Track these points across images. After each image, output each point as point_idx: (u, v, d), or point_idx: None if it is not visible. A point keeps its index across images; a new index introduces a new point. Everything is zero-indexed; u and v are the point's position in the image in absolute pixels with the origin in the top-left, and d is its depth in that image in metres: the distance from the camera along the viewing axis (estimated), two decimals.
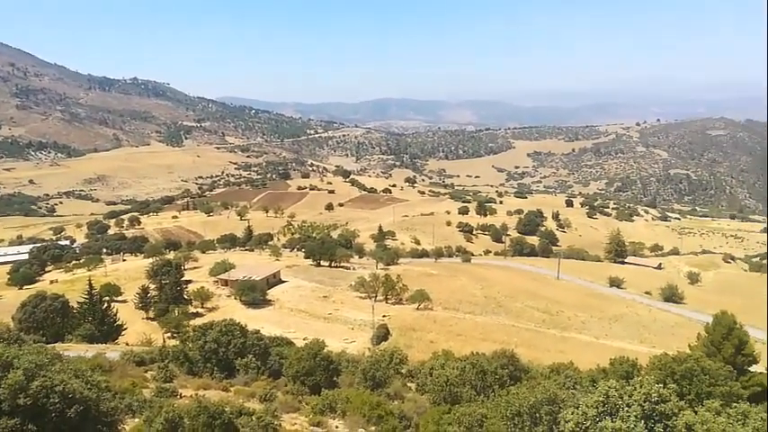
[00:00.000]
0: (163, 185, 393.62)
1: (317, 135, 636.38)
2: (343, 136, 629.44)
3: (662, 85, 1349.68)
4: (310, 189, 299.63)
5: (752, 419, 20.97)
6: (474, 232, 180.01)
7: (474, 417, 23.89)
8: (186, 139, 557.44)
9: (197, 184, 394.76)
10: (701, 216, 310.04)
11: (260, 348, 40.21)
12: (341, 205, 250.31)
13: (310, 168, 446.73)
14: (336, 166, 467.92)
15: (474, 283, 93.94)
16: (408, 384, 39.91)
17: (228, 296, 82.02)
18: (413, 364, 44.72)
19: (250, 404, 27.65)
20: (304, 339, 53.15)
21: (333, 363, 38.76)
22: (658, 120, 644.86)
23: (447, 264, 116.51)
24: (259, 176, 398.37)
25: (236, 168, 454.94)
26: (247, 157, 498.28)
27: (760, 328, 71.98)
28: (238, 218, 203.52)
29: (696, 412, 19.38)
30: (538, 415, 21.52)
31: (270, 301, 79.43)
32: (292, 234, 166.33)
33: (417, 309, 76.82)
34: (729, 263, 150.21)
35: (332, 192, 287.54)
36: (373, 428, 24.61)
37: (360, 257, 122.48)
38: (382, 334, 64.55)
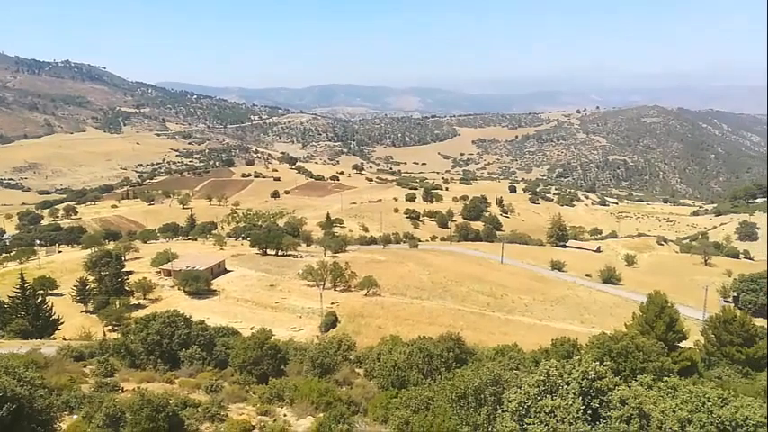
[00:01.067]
0: (101, 174, 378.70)
1: (261, 121, 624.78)
2: (289, 122, 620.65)
3: (602, 73, 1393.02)
4: (255, 176, 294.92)
5: (680, 392, 22.14)
6: (421, 219, 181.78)
7: (420, 400, 24.27)
8: (125, 125, 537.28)
9: (137, 172, 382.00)
10: (636, 200, 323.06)
11: (205, 339, 39.50)
12: (287, 193, 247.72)
13: (255, 155, 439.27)
14: (282, 153, 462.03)
15: (421, 268, 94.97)
16: (357, 370, 40.07)
17: (172, 287, 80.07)
18: (361, 350, 44.89)
19: (195, 395, 27.18)
20: (251, 329, 52.52)
21: (280, 351, 38.45)
22: (598, 107, 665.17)
23: (395, 250, 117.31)
24: (202, 164, 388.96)
25: (177, 156, 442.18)
26: (189, 144, 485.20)
27: (689, 306, 76.00)
28: (181, 206, 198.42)
29: (630, 387, 20.31)
30: (482, 396, 22.02)
31: (215, 291, 78.03)
32: (237, 222, 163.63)
33: (366, 295, 77.11)
34: (662, 245, 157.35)
35: (278, 179, 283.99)
36: (321, 415, 24.64)
37: (307, 245, 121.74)
38: (331, 321, 64.55)
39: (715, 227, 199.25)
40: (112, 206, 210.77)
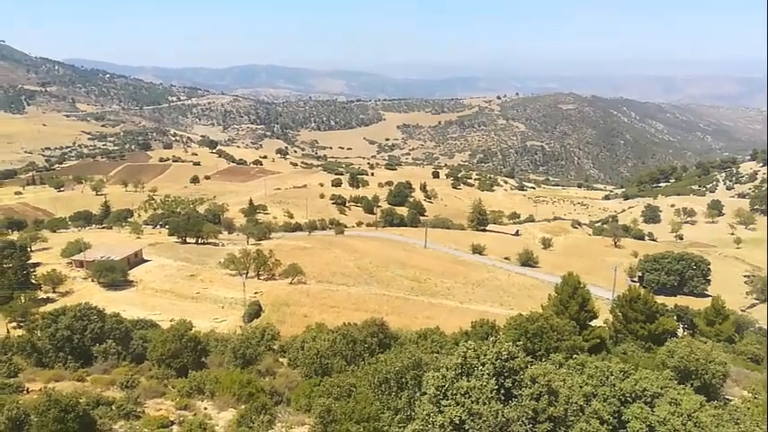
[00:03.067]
0: (1, 158, 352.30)
1: (179, 102, 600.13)
2: (209, 104, 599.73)
3: (521, 60, 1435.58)
4: (174, 161, 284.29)
5: (587, 368, 23.57)
6: (347, 204, 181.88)
7: (343, 387, 24.50)
8: (29, 105, 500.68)
9: (44, 156, 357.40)
10: (553, 185, 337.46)
11: (120, 332, 38.05)
12: (207, 178, 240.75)
13: (173, 138, 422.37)
14: (202, 136, 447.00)
15: (347, 254, 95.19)
16: (280, 360, 39.87)
17: (85, 279, 76.19)
18: (285, 340, 44.66)
19: (110, 393, 26.17)
20: (170, 321, 50.96)
21: (201, 343, 37.62)
22: (517, 94, 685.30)
23: (321, 237, 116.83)
24: (116, 147, 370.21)
25: (89, 139, 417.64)
26: (102, 126, 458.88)
27: (600, 286, 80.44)
28: (93, 193, 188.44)
29: (541, 365, 21.36)
30: (404, 380, 22.49)
31: (131, 281, 74.97)
32: (155, 209, 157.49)
33: (290, 283, 76.47)
34: (576, 228, 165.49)
35: (197, 163, 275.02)
36: (243, 407, 24.38)
37: (229, 233, 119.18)
38: (254, 311, 63.68)
39: (624, 210, 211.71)
40: (16, 193, 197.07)
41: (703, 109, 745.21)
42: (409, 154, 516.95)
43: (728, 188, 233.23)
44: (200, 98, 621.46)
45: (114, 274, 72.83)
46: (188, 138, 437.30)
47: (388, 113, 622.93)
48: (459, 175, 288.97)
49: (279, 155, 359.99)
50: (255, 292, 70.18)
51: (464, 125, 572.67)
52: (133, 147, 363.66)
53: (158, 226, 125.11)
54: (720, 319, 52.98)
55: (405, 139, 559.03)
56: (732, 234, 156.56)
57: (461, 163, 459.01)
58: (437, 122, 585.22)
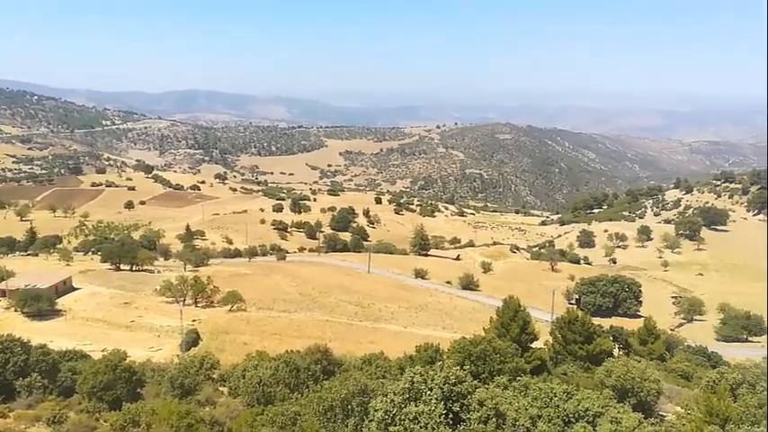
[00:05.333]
0: None
1: (114, 126, 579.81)
2: (145, 128, 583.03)
3: (459, 91, 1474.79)
4: (107, 185, 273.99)
5: (531, 390, 23.93)
6: (289, 230, 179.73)
7: (287, 415, 23.85)
8: None
9: None
10: (491, 211, 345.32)
11: (47, 365, 35.85)
12: (143, 203, 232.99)
13: (107, 163, 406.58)
14: (137, 161, 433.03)
15: (289, 280, 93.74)
16: (220, 389, 38.57)
17: (7, 308, 71.52)
18: (225, 368, 43.29)
19: (35, 429, 24.48)
20: (102, 351, 48.52)
21: (136, 374, 35.97)
22: (456, 123, 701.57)
23: (261, 263, 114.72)
24: (44, 171, 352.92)
25: (14, 162, 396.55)
26: (29, 149, 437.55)
27: (539, 309, 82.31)
28: (18, 218, 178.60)
29: (488, 389, 21.48)
30: (350, 407, 22.11)
31: (60, 311, 70.92)
32: (86, 236, 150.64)
33: (230, 310, 74.42)
34: (515, 252, 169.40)
35: (132, 188, 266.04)
36: None
37: (166, 259, 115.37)
38: (192, 339, 61.45)
39: (560, 235, 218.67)
40: None
41: (631, 140, 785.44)
42: (352, 180, 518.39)
43: (656, 214, 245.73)
44: (137, 122, 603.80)
45: (40, 304, 68.70)
46: (123, 162, 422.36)
47: (331, 140, 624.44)
48: (402, 201, 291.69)
49: (218, 180, 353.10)
50: (193, 320, 67.84)
51: (405, 153, 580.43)
52: (63, 171, 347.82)
53: (90, 253, 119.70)
54: (652, 338, 55.15)
55: (347, 166, 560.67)
56: (660, 257, 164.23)
57: (403, 189, 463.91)
58: (379, 150, 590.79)
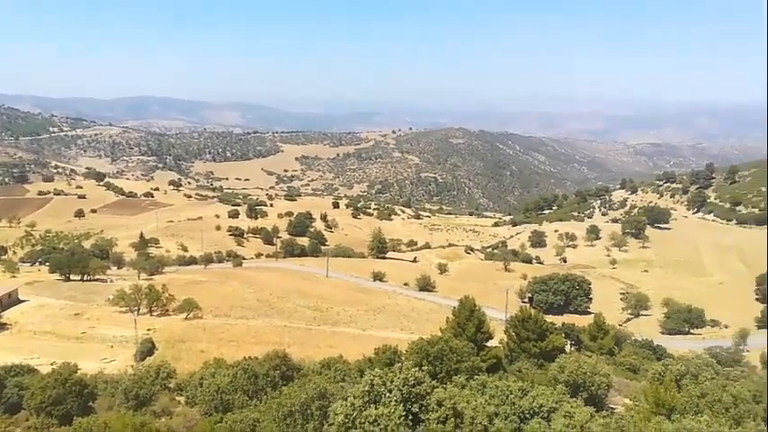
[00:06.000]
0: None
1: (62, 133, 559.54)
2: (96, 135, 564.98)
3: (414, 96, 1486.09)
4: (55, 194, 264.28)
5: (488, 388, 24.52)
6: (245, 236, 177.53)
7: (246, 422, 23.78)
8: None
9: None
10: (446, 214, 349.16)
11: None
12: (94, 211, 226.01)
13: (55, 171, 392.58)
14: (88, 169, 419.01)
15: (246, 287, 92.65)
16: (177, 398, 37.93)
17: None
18: (182, 377, 42.59)
19: None
20: (51, 365, 46.95)
21: (87, 386, 35.03)
22: (411, 128, 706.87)
23: (217, 270, 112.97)
24: None
25: None
26: None
27: (494, 308, 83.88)
28: None
29: (446, 389, 21.93)
30: (309, 411, 22.21)
31: (5, 324, 68.14)
32: (33, 246, 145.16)
33: (186, 319, 73.04)
34: (470, 253, 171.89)
35: (83, 197, 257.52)
36: None
37: (118, 268, 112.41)
38: (147, 349, 60.05)
39: (512, 236, 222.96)
40: None
41: (579, 143, 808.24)
42: (309, 185, 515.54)
43: (603, 214, 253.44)
44: (86, 129, 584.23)
45: None
46: (72, 170, 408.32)
47: (287, 145, 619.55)
48: (359, 205, 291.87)
49: (172, 186, 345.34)
50: (148, 329, 66.26)
51: (362, 157, 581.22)
52: (7, 179, 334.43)
53: (37, 263, 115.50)
54: (602, 334, 57.00)
55: (304, 171, 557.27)
56: (608, 256, 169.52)
57: (360, 193, 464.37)
58: (336, 155, 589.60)
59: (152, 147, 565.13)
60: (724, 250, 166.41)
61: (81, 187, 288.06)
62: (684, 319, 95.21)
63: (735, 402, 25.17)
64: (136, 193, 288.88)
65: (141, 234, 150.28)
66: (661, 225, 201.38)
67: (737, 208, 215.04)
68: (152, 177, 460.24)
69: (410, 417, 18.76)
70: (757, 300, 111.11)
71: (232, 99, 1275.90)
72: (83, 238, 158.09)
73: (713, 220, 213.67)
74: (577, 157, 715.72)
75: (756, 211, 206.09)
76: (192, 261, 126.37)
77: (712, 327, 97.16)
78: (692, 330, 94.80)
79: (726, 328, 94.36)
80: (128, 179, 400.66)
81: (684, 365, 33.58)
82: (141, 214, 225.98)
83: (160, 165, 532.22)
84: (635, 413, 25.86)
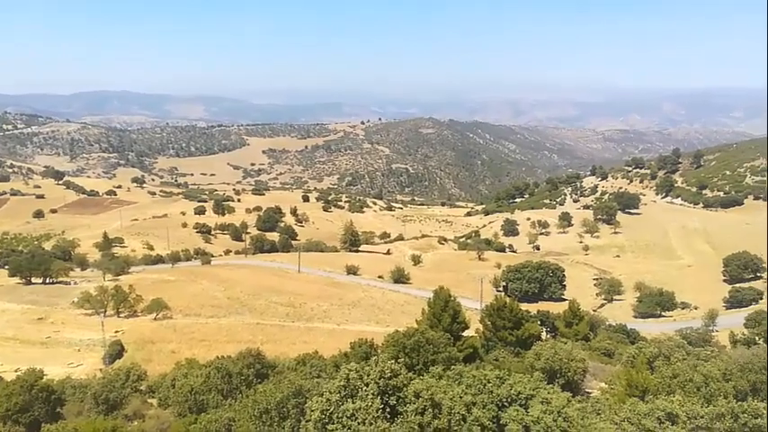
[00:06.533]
0: None
1: (17, 131, 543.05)
2: (53, 132, 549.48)
3: (381, 86, 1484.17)
4: (12, 194, 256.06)
5: (465, 378, 24.36)
6: (213, 232, 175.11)
7: (221, 422, 23.19)
8: None
9: None
10: (418, 204, 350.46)
11: None
12: (54, 211, 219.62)
13: (10, 170, 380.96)
14: (45, 167, 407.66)
15: (216, 285, 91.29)
16: (149, 401, 37.05)
17: None
18: (153, 379, 41.65)
19: None
20: (16, 371, 45.46)
21: (55, 392, 33.87)
22: (380, 119, 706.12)
23: (185, 268, 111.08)
24: None
25: None
26: None
27: (468, 298, 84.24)
28: None
29: (423, 380, 21.69)
30: (285, 409, 21.74)
31: None
32: None
33: (155, 319, 71.63)
34: (443, 244, 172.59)
35: (41, 196, 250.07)
36: None
37: (83, 270, 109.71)
38: (116, 351, 58.69)
39: (485, 225, 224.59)
40: None
41: (549, 130, 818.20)
42: (277, 178, 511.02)
43: (575, 201, 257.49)
44: (43, 126, 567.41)
45: None
46: (29, 169, 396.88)
47: (253, 138, 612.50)
48: (330, 198, 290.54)
49: (135, 184, 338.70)
50: (116, 331, 64.78)
51: (331, 149, 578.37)
52: None
53: None
54: (577, 320, 57.62)
55: (271, 164, 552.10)
56: (580, 242, 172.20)
57: (331, 186, 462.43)
58: (304, 147, 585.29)
59: (113, 143, 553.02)
60: (691, 233, 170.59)
61: (39, 187, 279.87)
62: (656, 303, 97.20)
63: (705, 381, 25.56)
64: (98, 192, 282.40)
65: (105, 233, 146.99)
66: (631, 210, 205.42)
67: (703, 191, 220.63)
68: (114, 175, 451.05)
69: (387, 409, 18.42)
70: (724, 281, 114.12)
71: (195, 92, 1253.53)
72: (43, 239, 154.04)
73: (681, 204, 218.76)
74: (547, 144, 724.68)
75: (721, 194, 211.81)
76: (159, 260, 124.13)
77: (683, 309, 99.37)
78: (663, 313, 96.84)
79: (695, 309, 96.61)
80: (89, 177, 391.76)
81: (657, 348, 34.06)
82: (104, 213, 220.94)
83: (122, 161, 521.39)
84: (610, 396, 26.09)
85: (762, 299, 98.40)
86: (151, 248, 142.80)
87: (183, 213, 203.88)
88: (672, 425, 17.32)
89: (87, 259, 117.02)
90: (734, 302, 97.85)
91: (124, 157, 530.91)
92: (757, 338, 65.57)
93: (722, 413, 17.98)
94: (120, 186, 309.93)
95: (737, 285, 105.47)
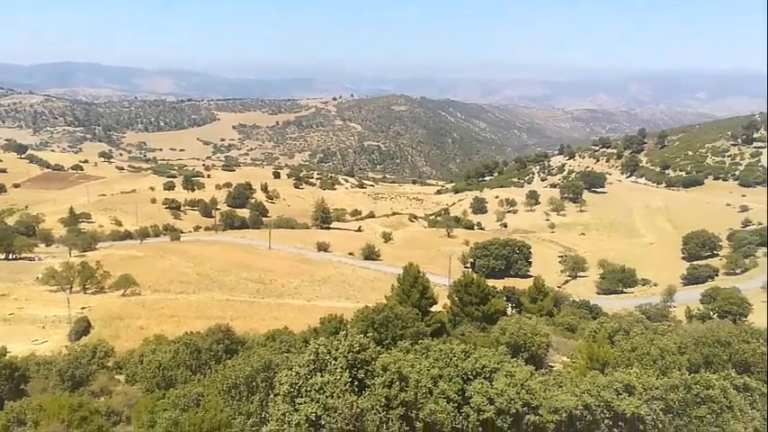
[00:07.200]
0: None
1: None
2: (14, 104, 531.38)
3: (354, 64, 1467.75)
4: None
5: (432, 351, 24.89)
6: (182, 208, 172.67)
7: (190, 397, 23.30)
8: None
9: None
10: (390, 182, 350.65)
11: None
12: (17, 186, 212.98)
13: None
14: (7, 140, 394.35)
15: (185, 261, 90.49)
16: (117, 377, 36.92)
17: None
18: (121, 355, 41.42)
19: None
20: None
21: (18, 369, 33.50)
22: (352, 95, 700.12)
23: (154, 244, 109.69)
24: None
25: None
26: None
27: (437, 274, 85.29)
28: None
29: (390, 353, 22.10)
30: (254, 383, 21.96)
31: None
32: None
33: (123, 295, 70.86)
34: (413, 221, 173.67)
35: (3, 170, 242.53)
36: None
37: (48, 245, 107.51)
38: (82, 328, 58.00)
39: (455, 203, 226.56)
40: None
41: (518, 109, 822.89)
42: (247, 154, 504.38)
43: (542, 179, 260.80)
44: (3, 98, 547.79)
45: None
46: None
47: (223, 113, 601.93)
48: (301, 175, 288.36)
49: (102, 158, 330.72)
50: (83, 308, 63.90)
51: (302, 125, 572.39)
52: None
53: None
54: (542, 296, 58.97)
55: (242, 140, 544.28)
56: (547, 220, 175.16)
57: (302, 163, 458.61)
58: (275, 123, 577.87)
59: (79, 117, 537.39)
60: (654, 212, 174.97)
61: (1, 160, 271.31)
62: (618, 279, 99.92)
63: (661, 354, 26.54)
64: (63, 166, 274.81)
65: (71, 209, 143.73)
66: (597, 189, 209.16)
67: (666, 171, 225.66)
68: (80, 149, 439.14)
69: (356, 383, 18.76)
70: (683, 258, 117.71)
71: (164, 65, 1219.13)
72: (5, 214, 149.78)
73: (645, 184, 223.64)
74: (517, 123, 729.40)
75: (683, 174, 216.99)
76: (128, 236, 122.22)
77: (643, 285, 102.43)
78: (625, 289, 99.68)
79: (655, 285, 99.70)
80: (53, 151, 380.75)
81: (617, 323, 35.14)
82: (70, 188, 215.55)
83: (88, 136, 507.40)
84: (571, 369, 26.98)
85: (717, 275, 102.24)
86: (119, 224, 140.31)
87: (152, 189, 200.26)
88: (629, 396, 18.05)
89: (52, 235, 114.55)
90: (691, 279, 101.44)
91: (91, 132, 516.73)
92: (712, 314, 68.24)
93: (676, 384, 18.78)
94: (86, 161, 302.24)
95: (695, 263, 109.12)
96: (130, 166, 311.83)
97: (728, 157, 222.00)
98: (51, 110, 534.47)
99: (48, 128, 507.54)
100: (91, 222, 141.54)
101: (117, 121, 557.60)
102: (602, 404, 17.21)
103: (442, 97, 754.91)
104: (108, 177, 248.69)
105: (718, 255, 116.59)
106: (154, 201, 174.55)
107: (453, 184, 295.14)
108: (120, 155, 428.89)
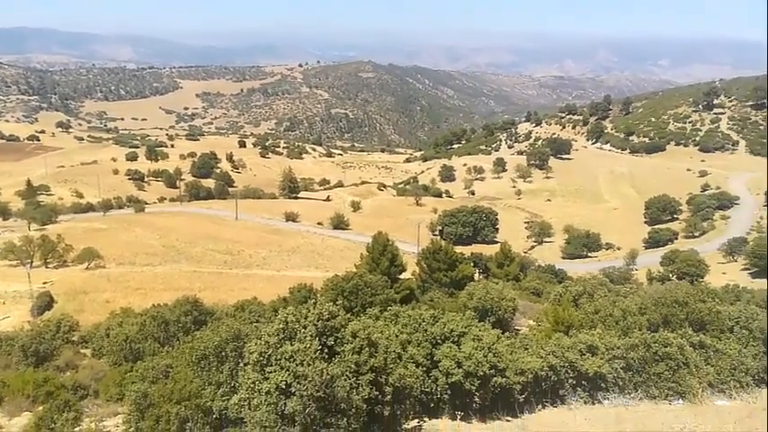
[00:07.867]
0: None
1: None
2: None
3: (320, 29, 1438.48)
4: None
5: (401, 317, 25.16)
6: (146, 179, 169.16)
7: (159, 369, 23.11)
8: None
9: None
10: (359, 151, 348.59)
11: None
12: None
13: None
14: None
15: (150, 233, 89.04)
16: (82, 351, 36.45)
17: None
18: (86, 329, 40.84)
19: None
20: None
21: None
22: (318, 62, 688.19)
23: (118, 216, 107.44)
24: None
25: None
26: None
27: (406, 242, 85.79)
28: None
29: (360, 320, 22.23)
30: (224, 353, 21.87)
31: None
32: None
33: (87, 269, 69.54)
34: (382, 190, 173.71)
35: None
36: (41, 408, 21.79)
37: (5, 219, 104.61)
38: (45, 303, 56.89)
39: (423, 171, 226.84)
40: None
41: (486, 76, 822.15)
42: (212, 123, 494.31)
43: (510, 146, 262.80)
44: None
45: None
46: None
47: (186, 81, 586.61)
48: (267, 144, 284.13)
49: (60, 129, 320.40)
50: (45, 282, 62.57)
51: (268, 93, 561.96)
52: None
53: None
54: (508, 261, 59.95)
55: (206, 108, 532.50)
56: (514, 187, 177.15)
57: (268, 131, 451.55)
58: (239, 90, 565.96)
59: (33, 85, 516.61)
60: (618, 178, 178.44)
61: None
62: (583, 244, 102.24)
63: (623, 316, 27.22)
64: (18, 137, 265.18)
65: (28, 181, 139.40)
66: (563, 156, 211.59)
67: (630, 138, 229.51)
68: (36, 119, 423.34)
69: (326, 350, 18.76)
70: (645, 223, 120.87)
71: (122, 31, 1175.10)
72: None
73: (609, 150, 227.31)
74: (485, 90, 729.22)
75: (647, 140, 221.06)
76: (90, 208, 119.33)
77: (607, 249, 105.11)
78: (589, 254, 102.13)
79: (618, 249, 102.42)
80: (7, 121, 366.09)
81: (582, 286, 35.88)
82: (26, 159, 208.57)
83: (44, 105, 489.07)
84: (537, 332, 27.57)
85: (677, 239, 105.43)
86: (80, 196, 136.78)
87: (114, 160, 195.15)
88: (592, 356, 18.55)
89: (10, 208, 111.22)
90: (652, 243, 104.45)
91: (47, 101, 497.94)
92: (671, 275, 70.54)
93: (636, 344, 19.35)
94: (43, 131, 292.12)
95: (656, 227, 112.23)
96: (90, 136, 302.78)
97: (689, 123, 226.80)
98: (3, 78, 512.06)
99: (0, 97, 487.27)
100: (50, 195, 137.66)
101: (74, 89, 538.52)
102: (566, 365, 17.69)
103: (410, 63, 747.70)
104: (67, 148, 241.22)
105: (678, 219, 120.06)
106: (116, 172, 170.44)
107: (422, 153, 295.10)
108: (80, 125, 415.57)
